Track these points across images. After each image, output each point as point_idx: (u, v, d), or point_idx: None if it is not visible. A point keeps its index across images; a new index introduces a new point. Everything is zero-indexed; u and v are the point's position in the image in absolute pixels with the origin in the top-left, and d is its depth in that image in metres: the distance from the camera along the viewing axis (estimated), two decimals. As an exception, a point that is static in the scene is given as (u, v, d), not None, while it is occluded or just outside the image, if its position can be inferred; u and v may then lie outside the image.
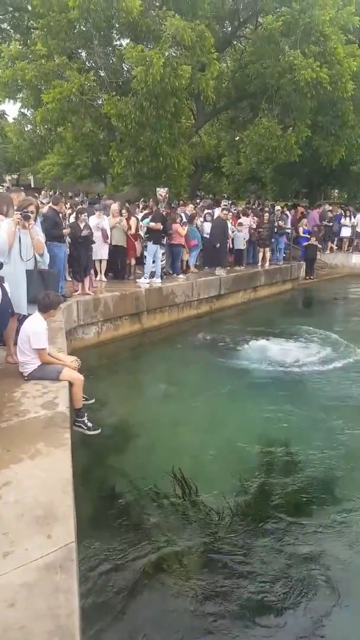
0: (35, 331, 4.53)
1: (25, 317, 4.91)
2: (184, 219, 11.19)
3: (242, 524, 4.13)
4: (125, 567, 3.60)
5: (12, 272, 4.88)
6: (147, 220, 10.14)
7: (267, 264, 13.70)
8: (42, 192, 15.77)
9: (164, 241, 10.55)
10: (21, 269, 5.02)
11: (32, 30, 17.00)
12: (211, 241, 11.65)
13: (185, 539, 3.94)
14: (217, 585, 3.48)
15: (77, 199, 15.16)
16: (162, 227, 9.93)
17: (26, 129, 17.09)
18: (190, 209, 12.50)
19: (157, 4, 15.35)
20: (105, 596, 3.31)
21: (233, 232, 12.39)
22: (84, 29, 14.49)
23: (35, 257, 5.17)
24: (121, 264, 10.30)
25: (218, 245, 11.41)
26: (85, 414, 4.79)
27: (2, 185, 22.92)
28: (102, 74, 14.89)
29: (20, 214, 4.91)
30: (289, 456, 5.20)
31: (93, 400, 5.37)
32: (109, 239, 9.61)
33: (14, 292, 4.80)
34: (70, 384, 4.62)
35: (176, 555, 3.77)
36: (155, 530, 4.03)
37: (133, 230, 10.23)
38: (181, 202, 14.36)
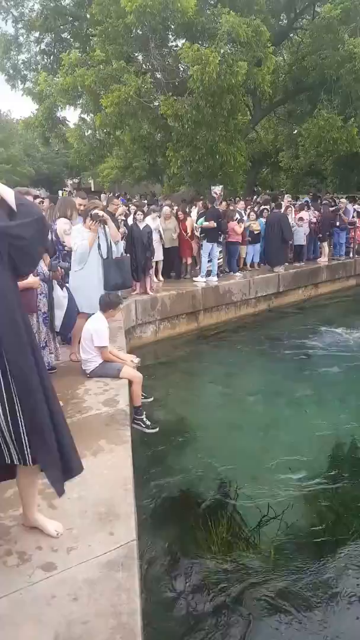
0: (97, 330, 4.63)
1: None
2: (241, 217, 11.02)
3: (302, 533, 3.99)
4: (183, 567, 3.58)
5: (88, 274, 5.05)
6: (201, 220, 10.08)
7: (324, 259, 13.21)
8: (102, 195, 16.11)
9: (221, 239, 10.44)
10: (96, 270, 5.17)
11: (90, 37, 17.43)
12: (274, 237, 11.38)
13: (243, 541, 3.88)
14: (281, 588, 3.38)
15: (134, 200, 15.38)
16: (215, 225, 9.82)
17: (86, 134, 17.53)
18: (241, 205, 12.24)
19: (212, 2, 15.31)
20: (165, 596, 3.31)
21: (293, 227, 12.03)
22: (140, 32, 14.66)
23: (110, 246, 5.33)
24: (175, 263, 10.30)
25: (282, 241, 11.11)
26: (144, 412, 4.83)
27: (64, 190, 23.75)
28: (159, 76, 15.02)
29: (92, 219, 5.01)
30: (356, 465, 4.97)
31: (152, 399, 5.42)
32: (162, 240, 9.61)
33: (89, 293, 4.94)
34: (130, 382, 4.68)
35: (235, 557, 3.71)
36: (212, 532, 3.98)
37: (189, 231, 10.18)
38: (237, 199, 14.19)
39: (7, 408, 2.07)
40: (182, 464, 4.93)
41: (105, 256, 5.28)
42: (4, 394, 2.06)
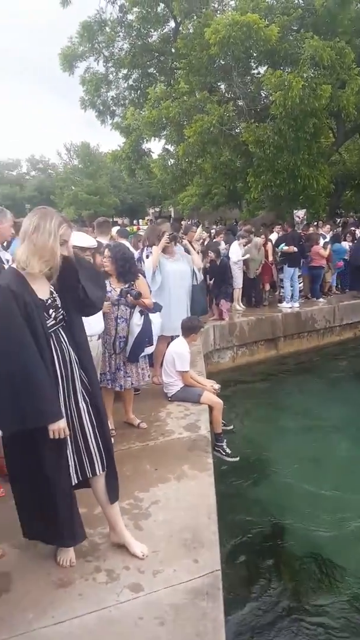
0: (180, 354, 4.74)
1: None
2: (326, 240, 10.77)
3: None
4: (262, 601, 3.51)
5: (168, 298, 5.17)
6: (282, 245, 9.95)
7: None
8: (182, 222, 16.56)
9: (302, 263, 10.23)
10: (176, 294, 5.29)
11: (175, 70, 18.25)
12: (352, 262, 11.03)
13: (322, 581, 3.73)
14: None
15: (214, 227, 15.62)
16: (296, 250, 9.66)
17: (169, 164, 18.21)
18: (326, 229, 12.00)
19: (295, 28, 15.41)
20: (248, 630, 3.25)
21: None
22: (223, 62, 15.09)
23: (195, 273, 5.46)
24: (255, 290, 10.17)
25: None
26: (225, 440, 4.82)
27: (147, 218, 24.64)
28: (241, 103, 15.31)
29: (168, 237, 5.16)
30: None
31: (232, 427, 5.40)
32: (248, 270, 9.52)
33: (168, 316, 5.03)
34: (210, 408, 4.71)
35: (314, 595, 3.59)
36: (290, 566, 3.89)
37: (270, 257, 10.09)
38: (320, 222, 13.92)
39: (94, 420, 2.44)
40: (261, 495, 4.85)
41: (193, 282, 5.45)
42: (90, 407, 2.44)
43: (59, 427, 2.23)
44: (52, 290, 2.36)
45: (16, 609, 2.21)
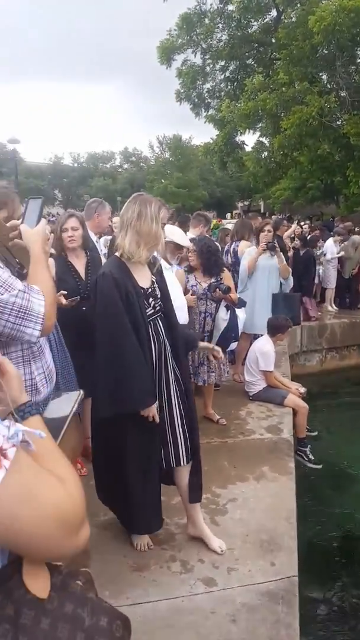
0: (265, 353, 4.64)
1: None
2: None
3: None
4: (339, 612, 3.37)
5: (252, 294, 5.08)
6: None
7: None
8: (273, 217, 16.20)
9: None
10: (262, 291, 5.18)
11: (274, 61, 17.82)
12: None
13: None
14: None
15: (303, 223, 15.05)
16: None
17: (263, 156, 17.90)
18: None
19: None
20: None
21: None
22: (326, 51, 14.51)
23: (280, 281, 5.33)
24: (350, 291, 9.55)
25: None
26: (309, 445, 4.67)
27: (235, 212, 24.37)
28: (344, 94, 14.62)
29: (266, 245, 5.05)
30: None
31: (316, 433, 5.21)
32: (343, 269, 9.01)
33: (251, 314, 4.94)
34: (294, 412, 4.57)
35: None
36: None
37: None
38: None
39: (183, 411, 2.45)
40: (342, 504, 4.64)
41: (268, 283, 5.25)
42: (180, 398, 2.45)
43: (151, 413, 2.27)
44: (153, 280, 2.40)
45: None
